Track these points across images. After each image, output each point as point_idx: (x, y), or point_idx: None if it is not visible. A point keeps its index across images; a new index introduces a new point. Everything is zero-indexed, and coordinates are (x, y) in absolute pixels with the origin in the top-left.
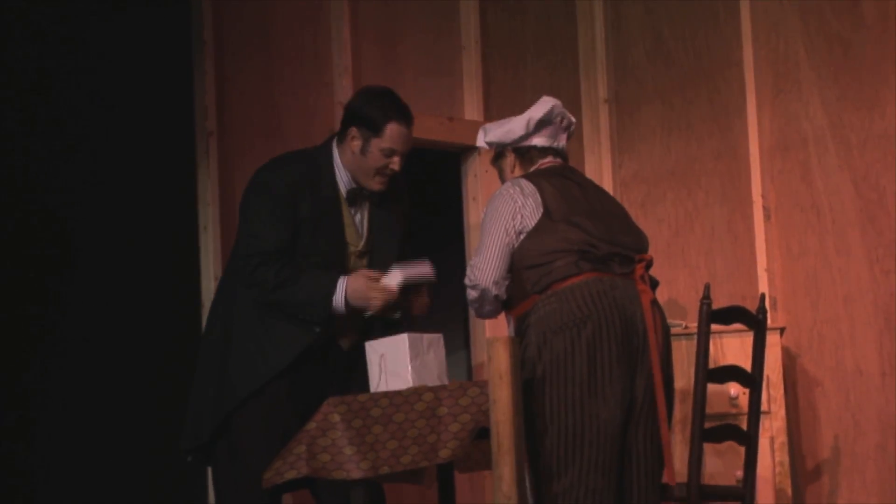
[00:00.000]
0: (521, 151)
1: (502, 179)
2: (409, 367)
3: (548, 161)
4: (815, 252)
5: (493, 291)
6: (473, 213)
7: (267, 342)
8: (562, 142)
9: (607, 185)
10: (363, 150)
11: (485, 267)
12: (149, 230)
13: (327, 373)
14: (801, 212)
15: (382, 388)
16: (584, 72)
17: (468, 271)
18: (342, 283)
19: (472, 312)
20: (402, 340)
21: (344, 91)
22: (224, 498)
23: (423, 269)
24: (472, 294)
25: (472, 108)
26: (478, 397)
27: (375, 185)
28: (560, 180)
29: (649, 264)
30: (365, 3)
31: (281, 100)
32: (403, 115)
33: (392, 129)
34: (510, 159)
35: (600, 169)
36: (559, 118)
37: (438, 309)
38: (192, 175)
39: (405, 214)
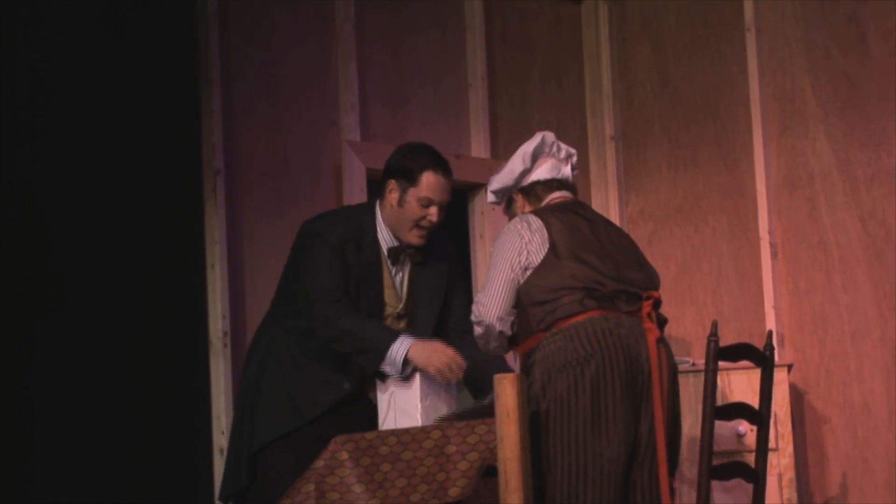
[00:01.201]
0: (527, 190)
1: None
2: (419, 407)
3: (556, 196)
4: (822, 288)
5: (498, 328)
6: (480, 250)
7: (296, 392)
8: (565, 173)
9: (614, 222)
10: (400, 202)
11: (489, 303)
12: (156, 268)
13: (359, 412)
14: (808, 248)
15: (390, 425)
16: (591, 109)
17: (473, 307)
18: (408, 339)
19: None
20: (413, 380)
21: (350, 129)
22: None
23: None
24: (477, 330)
25: (478, 146)
26: (485, 435)
27: (414, 238)
28: (569, 216)
29: (657, 302)
30: (371, 42)
31: (288, 138)
32: (440, 164)
33: (428, 178)
34: (519, 201)
35: (607, 206)
36: (554, 147)
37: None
38: (200, 213)
39: (450, 272)
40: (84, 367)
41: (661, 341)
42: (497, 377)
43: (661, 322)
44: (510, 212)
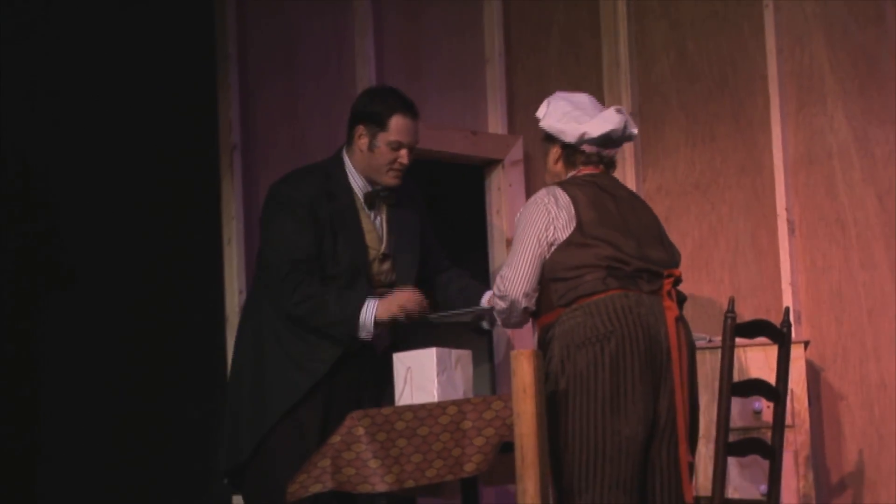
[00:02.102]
0: (569, 151)
1: (545, 160)
2: (436, 382)
3: (589, 169)
4: (839, 266)
5: (523, 304)
6: (497, 227)
7: (301, 354)
8: (612, 152)
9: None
10: (371, 147)
11: (515, 279)
12: (172, 244)
13: (360, 387)
14: (825, 225)
15: (407, 400)
16: (609, 86)
17: (498, 281)
18: (372, 302)
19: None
20: (429, 354)
21: None
22: None
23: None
24: (500, 304)
25: (495, 122)
26: (502, 411)
27: (389, 179)
28: (595, 191)
29: (677, 280)
30: (389, 17)
31: (305, 113)
32: (408, 107)
33: (397, 122)
34: (555, 152)
35: (624, 182)
36: (617, 135)
37: (460, 323)
38: (217, 189)
39: (422, 214)
40: (99, 343)
41: (680, 319)
42: (514, 353)
43: (681, 300)
44: (544, 146)
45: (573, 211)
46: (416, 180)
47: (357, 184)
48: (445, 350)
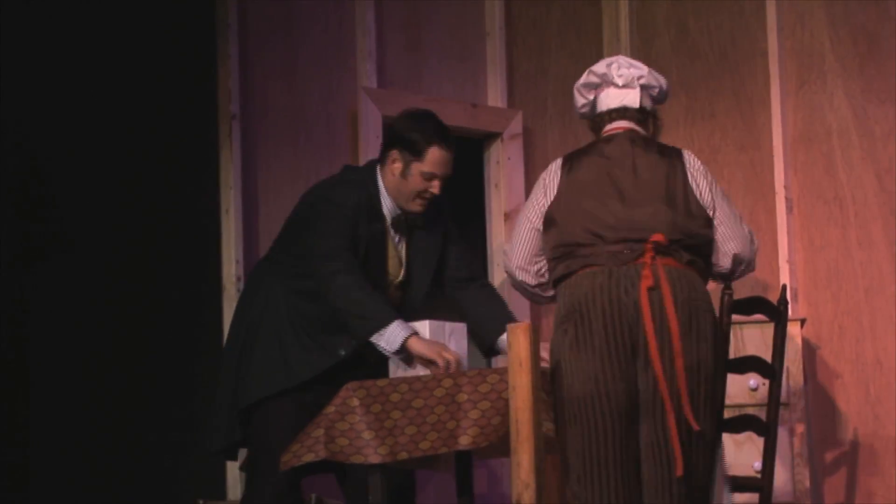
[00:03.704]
0: (592, 120)
1: None
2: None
3: (612, 127)
4: (837, 244)
5: (518, 276)
6: (495, 200)
7: (290, 352)
8: (631, 101)
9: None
10: (403, 174)
11: (511, 253)
12: (170, 213)
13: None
14: (823, 204)
15: (401, 372)
16: None
17: (503, 257)
18: (411, 327)
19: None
20: (423, 327)
21: (368, 76)
22: (253, 491)
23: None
24: (511, 282)
25: (495, 95)
26: (497, 384)
27: (416, 207)
28: (592, 158)
29: (664, 244)
30: None
31: (304, 84)
32: (445, 139)
33: (433, 154)
34: (587, 125)
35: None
36: (608, 78)
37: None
38: (215, 158)
39: (445, 228)
40: (95, 312)
41: (654, 289)
42: (510, 326)
43: (690, 261)
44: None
45: (557, 182)
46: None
47: (387, 206)
48: (439, 322)
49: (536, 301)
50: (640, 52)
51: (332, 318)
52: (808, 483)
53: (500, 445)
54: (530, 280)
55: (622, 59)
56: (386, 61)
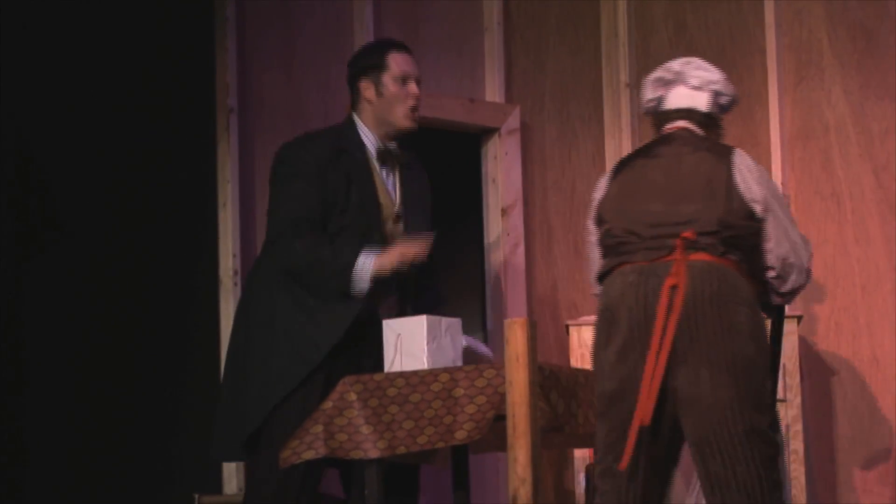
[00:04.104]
0: (655, 117)
1: None
2: (426, 350)
3: (671, 127)
4: (834, 241)
5: (593, 291)
6: (492, 195)
7: (311, 325)
8: (700, 102)
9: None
10: (378, 93)
11: (589, 273)
12: (168, 207)
13: (363, 353)
14: (820, 200)
15: (397, 368)
16: (606, 57)
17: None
18: (370, 255)
19: (488, 295)
20: (419, 322)
21: None
22: (258, 487)
23: (486, 352)
24: None
25: (493, 91)
26: (493, 379)
27: (406, 121)
28: (640, 159)
29: (692, 239)
30: None
31: (302, 78)
32: (398, 44)
33: (395, 58)
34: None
35: (620, 153)
36: (682, 77)
37: (455, 291)
38: (213, 152)
39: (428, 188)
40: (92, 304)
41: (675, 287)
42: (507, 321)
43: (719, 253)
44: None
45: (606, 182)
46: (412, 146)
47: (370, 139)
48: (435, 318)
49: None
50: (639, 48)
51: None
52: (804, 480)
53: (496, 440)
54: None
55: (699, 61)
56: None
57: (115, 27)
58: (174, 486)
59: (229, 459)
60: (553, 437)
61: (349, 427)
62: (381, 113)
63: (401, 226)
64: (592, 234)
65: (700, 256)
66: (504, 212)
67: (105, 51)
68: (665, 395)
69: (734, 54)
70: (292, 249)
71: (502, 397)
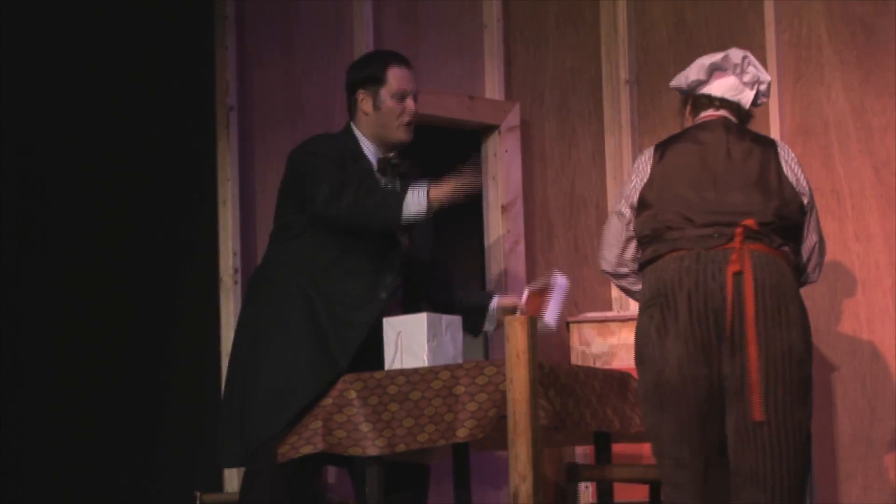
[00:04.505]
0: (696, 100)
1: (682, 126)
2: (426, 347)
3: (709, 114)
4: (834, 237)
5: (602, 266)
6: (493, 193)
7: (328, 337)
8: (743, 97)
9: (627, 166)
10: (376, 106)
11: (602, 242)
12: (168, 205)
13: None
14: (820, 196)
15: (397, 365)
16: (606, 53)
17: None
18: (422, 187)
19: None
20: (420, 319)
21: None
22: (251, 480)
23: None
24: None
25: (493, 88)
26: (494, 376)
27: (402, 134)
28: (686, 144)
29: (754, 228)
30: None
31: (302, 76)
32: (399, 58)
33: (394, 72)
34: (688, 106)
35: (620, 150)
36: (737, 68)
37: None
38: (213, 150)
39: None
40: (92, 303)
41: (739, 274)
42: (508, 319)
43: (777, 246)
44: (681, 111)
45: (650, 167)
46: (411, 143)
47: (370, 150)
48: (436, 315)
49: (633, 297)
50: (638, 45)
51: (353, 269)
52: None
53: (498, 437)
54: (611, 269)
55: (753, 58)
56: None
57: (115, 25)
58: (176, 484)
59: (236, 466)
60: (554, 434)
61: (348, 424)
62: (377, 125)
63: (406, 236)
64: (625, 216)
65: (758, 247)
66: (504, 209)
67: (105, 49)
68: (720, 383)
69: None
70: (345, 196)
71: (503, 395)
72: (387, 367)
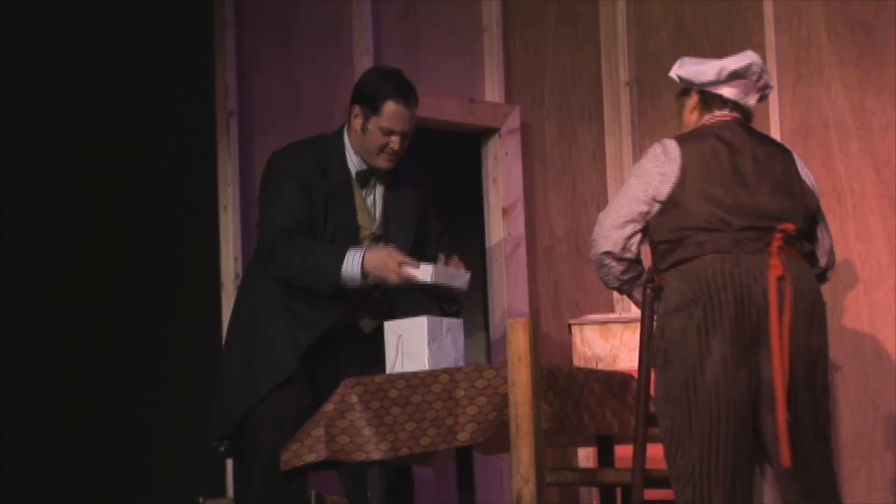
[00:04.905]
0: (707, 96)
1: (680, 115)
2: (426, 350)
3: (723, 114)
4: (835, 237)
5: (604, 246)
6: (493, 195)
7: (290, 331)
8: (751, 100)
9: (627, 168)
10: (363, 129)
11: (604, 220)
12: (169, 210)
13: (341, 369)
14: (821, 196)
15: (398, 369)
16: (606, 55)
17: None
18: (358, 251)
19: (490, 296)
20: (420, 323)
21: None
22: (240, 491)
23: (458, 279)
24: (591, 252)
25: (492, 90)
26: (494, 379)
27: (381, 163)
28: (711, 143)
29: (792, 234)
30: None
31: (302, 80)
32: (403, 94)
33: (390, 108)
34: (693, 100)
35: (620, 152)
36: (755, 76)
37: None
38: (213, 155)
39: (423, 197)
40: (94, 308)
41: (782, 279)
42: (509, 321)
43: (807, 253)
44: (680, 100)
45: (679, 164)
46: (412, 147)
47: (353, 161)
48: (437, 318)
49: (608, 283)
50: (638, 47)
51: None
52: None
53: (503, 440)
54: (616, 249)
55: (764, 67)
56: (383, 56)
57: (115, 31)
58: (179, 488)
59: (214, 447)
60: (556, 436)
61: (351, 429)
62: (360, 145)
63: (379, 245)
64: (644, 207)
65: (793, 252)
66: (505, 212)
67: (104, 54)
68: (758, 387)
69: (733, 51)
70: (286, 260)
71: (503, 398)
72: (388, 370)
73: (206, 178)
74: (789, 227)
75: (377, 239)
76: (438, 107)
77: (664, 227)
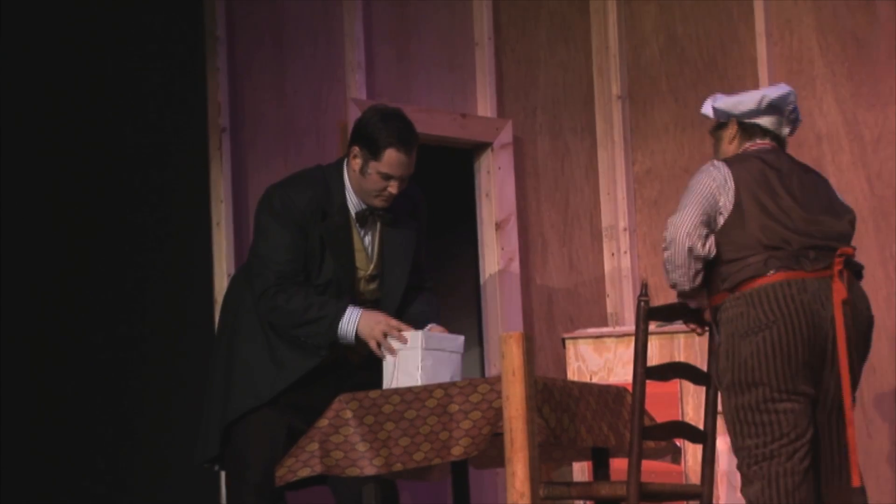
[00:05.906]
0: (746, 126)
1: (716, 150)
2: (420, 366)
3: (764, 143)
4: None
5: (686, 243)
6: (486, 210)
7: (271, 360)
8: (784, 132)
9: (620, 182)
10: (362, 171)
11: (679, 221)
12: (161, 227)
13: (335, 379)
14: None
15: (394, 385)
16: (598, 69)
17: (666, 229)
18: (355, 312)
19: (484, 310)
20: (415, 338)
21: (357, 87)
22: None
23: (450, 343)
24: (665, 254)
25: (484, 105)
26: (488, 394)
27: (377, 202)
28: (759, 166)
29: (852, 256)
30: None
31: (294, 96)
32: (405, 142)
33: (390, 156)
34: (732, 131)
35: (613, 165)
36: (790, 108)
37: (450, 306)
38: (205, 172)
39: (419, 229)
40: (88, 323)
41: (848, 303)
42: (503, 336)
43: (857, 270)
44: (717, 134)
45: (733, 186)
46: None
47: (352, 201)
48: (432, 335)
49: (675, 284)
50: (630, 60)
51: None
52: None
53: (497, 455)
54: (698, 248)
55: (794, 95)
56: (375, 72)
57: (107, 47)
58: (173, 501)
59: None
60: (552, 450)
61: (345, 445)
62: (357, 185)
63: (375, 284)
64: (703, 234)
65: (848, 273)
66: (498, 226)
67: (97, 72)
68: (824, 405)
69: (725, 65)
70: (278, 308)
71: (497, 412)
72: (385, 386)
73: (198, 194)
74: (850, 250)
75: (372, 280)
76: (431, 122)
77: (723, 246)
